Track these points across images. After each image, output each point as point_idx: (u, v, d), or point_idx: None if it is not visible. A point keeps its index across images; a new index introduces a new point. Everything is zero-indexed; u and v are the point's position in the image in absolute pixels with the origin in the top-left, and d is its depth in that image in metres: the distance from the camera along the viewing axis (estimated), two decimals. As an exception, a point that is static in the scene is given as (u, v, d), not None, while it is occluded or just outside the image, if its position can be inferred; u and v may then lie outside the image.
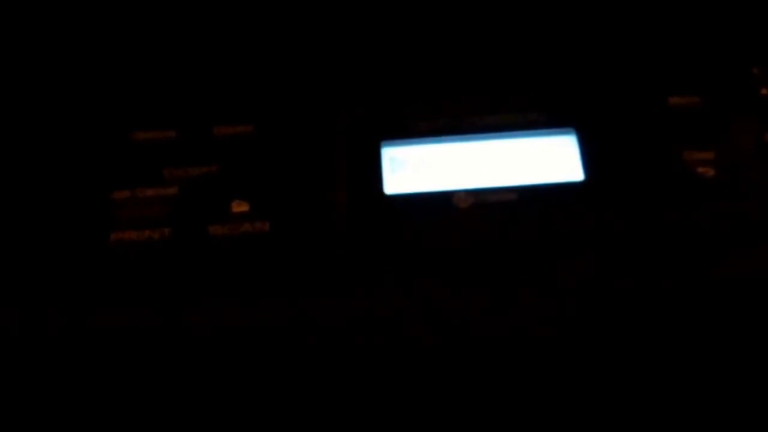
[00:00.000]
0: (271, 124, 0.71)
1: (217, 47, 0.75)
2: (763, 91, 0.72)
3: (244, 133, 0.71)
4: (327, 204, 0.68)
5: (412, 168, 0.70)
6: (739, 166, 0.69)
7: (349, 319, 0.65)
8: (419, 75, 0.74)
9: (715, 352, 0.67)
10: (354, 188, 0.69)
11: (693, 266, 0.66)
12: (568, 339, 0.66)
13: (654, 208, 0.67)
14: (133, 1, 0.74)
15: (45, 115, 0.72)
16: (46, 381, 0.66)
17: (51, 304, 0.65)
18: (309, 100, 0.72)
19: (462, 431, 0.68)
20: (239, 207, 0.68)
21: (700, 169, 0.69)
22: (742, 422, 0.69)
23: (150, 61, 0.74)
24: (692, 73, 0.73)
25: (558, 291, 0.66)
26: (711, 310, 0.66)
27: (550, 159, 0.70)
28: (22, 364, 0.65)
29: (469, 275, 0.66)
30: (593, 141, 0.70)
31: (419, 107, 0.72)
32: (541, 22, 0.75)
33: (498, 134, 0.71)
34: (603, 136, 0.71)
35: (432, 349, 0.66)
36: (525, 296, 0.66)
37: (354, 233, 0.67)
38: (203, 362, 0.66)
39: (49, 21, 0.74)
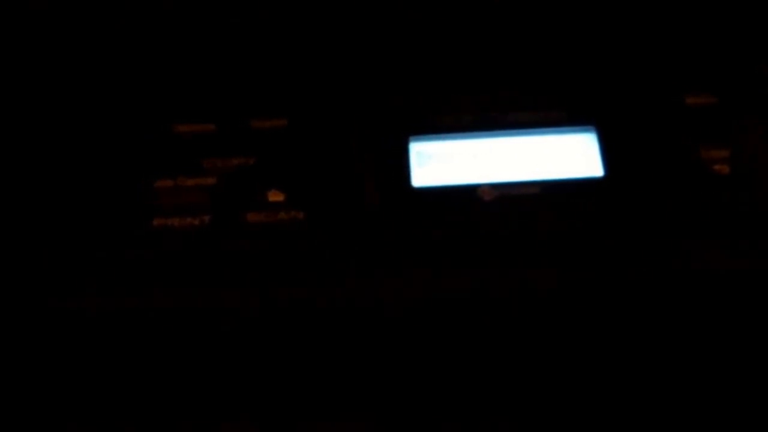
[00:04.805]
0: (305, 118, 0.72)
1: (254, 47, 0.76)
2: (777, 92, 0.72)
3: (278, 127, 0.72)
4: (358, 195, 0.69)
5: (439, 162, 0.71)
6: (754, 164, 0.69)
7: (378, 301, 0.66)
8: (445, 74, 0.74)
9: (730, 344, 0.68)
10: (383, 180, 0.70)
11: (708, 259, 0.66)
12: (587, 328, 0.67)
13: (670, 203, 0.68)
14: (177, 3, 0.75)
15: (94, 110, 0.73)
16: (90, 356, 0.67)
17: (98, 285, 0.66)
18: (341, 97, 0.73)
19: (479, 411, 0.69)
20: (275, 196, 0.69)
21: (716, 167, 0.69)
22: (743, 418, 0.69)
23: (192, 60, 0.75)
24: (709, 74, 0.73)
25: (579, 280, 0.67)
26: (726, 304, 0.67)
27: (571, 155, 0.71)
28: (70, 340, 0.67)
29: (492, 264, 0.67)
30: (613, 138, 0.71)
31: (445, 104, 0.73)
32: (564, 26, 0.75)
33: (521, 131, 0.72)
34: (622, 133, 0.71)
35: (455, 332, 0.67)
36: (546, 285, 0.67)
37: (383, 223, 0.68)
38: (239, 339, 0.67)
39: (98, 22, 0.75)
